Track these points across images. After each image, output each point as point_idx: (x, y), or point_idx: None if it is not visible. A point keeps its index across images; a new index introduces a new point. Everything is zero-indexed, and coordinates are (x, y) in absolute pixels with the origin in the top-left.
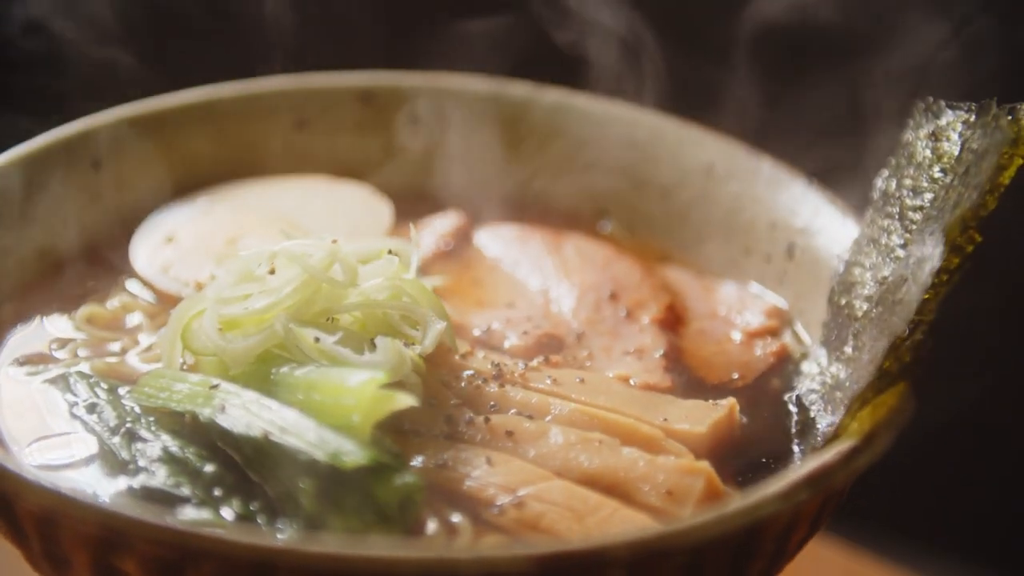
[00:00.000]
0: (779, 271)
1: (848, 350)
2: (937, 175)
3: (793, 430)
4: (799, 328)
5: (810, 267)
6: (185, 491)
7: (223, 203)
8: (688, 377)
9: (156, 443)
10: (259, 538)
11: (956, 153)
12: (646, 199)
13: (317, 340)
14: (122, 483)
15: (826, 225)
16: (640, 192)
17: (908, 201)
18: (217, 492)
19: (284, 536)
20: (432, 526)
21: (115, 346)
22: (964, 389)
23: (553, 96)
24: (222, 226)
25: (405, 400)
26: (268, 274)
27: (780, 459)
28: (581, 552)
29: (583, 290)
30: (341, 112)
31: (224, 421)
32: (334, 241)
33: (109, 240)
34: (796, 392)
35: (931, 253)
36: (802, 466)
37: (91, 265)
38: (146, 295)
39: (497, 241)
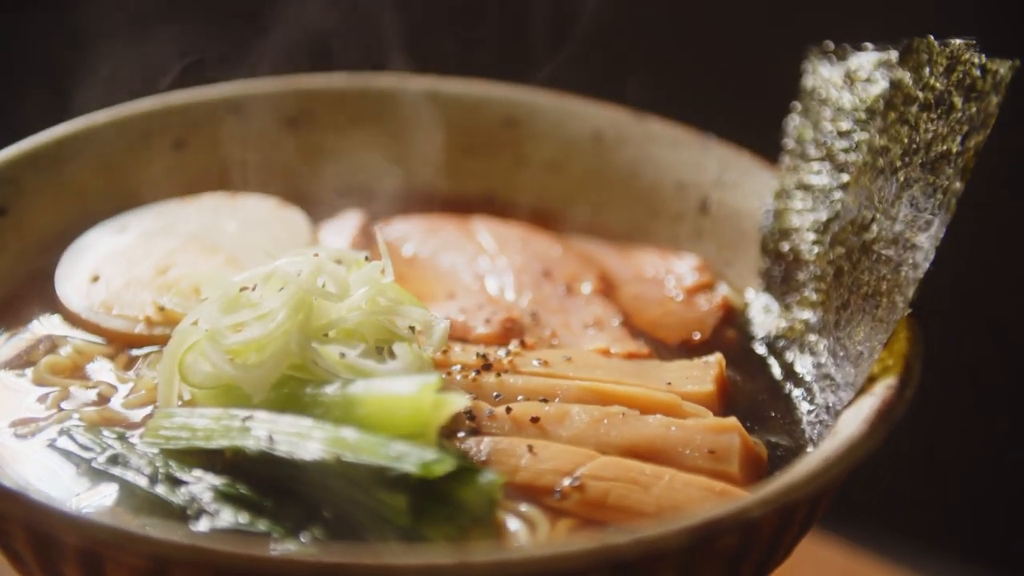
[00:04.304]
0: (694, 228)
1: (810, 293)
2: (863, 116)
3: (779, 376)
4: (731, 278)
5: (730, 219)
6: (262, 527)
7: (132, 233)
8: (650, 340)
9: (200, 484)
10: (424, 557)
11: (885, 94)
12: (533, 175)
13: (343, 355)
14: (187, 529)
15: (740, 176)
16: (526, 169)
17: (837, 144)
18: (287, 524)
19: (442, 551)
20: (509, 521)
21: (91, 394)
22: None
23: (420, 83)
24: (145, 257)
25: (460, 401)
26: (258, 298)
27: (781, 406)
28: (726, 516)
29: (516, 272)
30: (214, 127)
31: (280, 450)
32: (316, 255)
33: (32, 287)
34: (763, 340)
35: (913, 191)
36: (867, 405)
37: (21, 315)
38: (92, 338)
39: (407, 235)
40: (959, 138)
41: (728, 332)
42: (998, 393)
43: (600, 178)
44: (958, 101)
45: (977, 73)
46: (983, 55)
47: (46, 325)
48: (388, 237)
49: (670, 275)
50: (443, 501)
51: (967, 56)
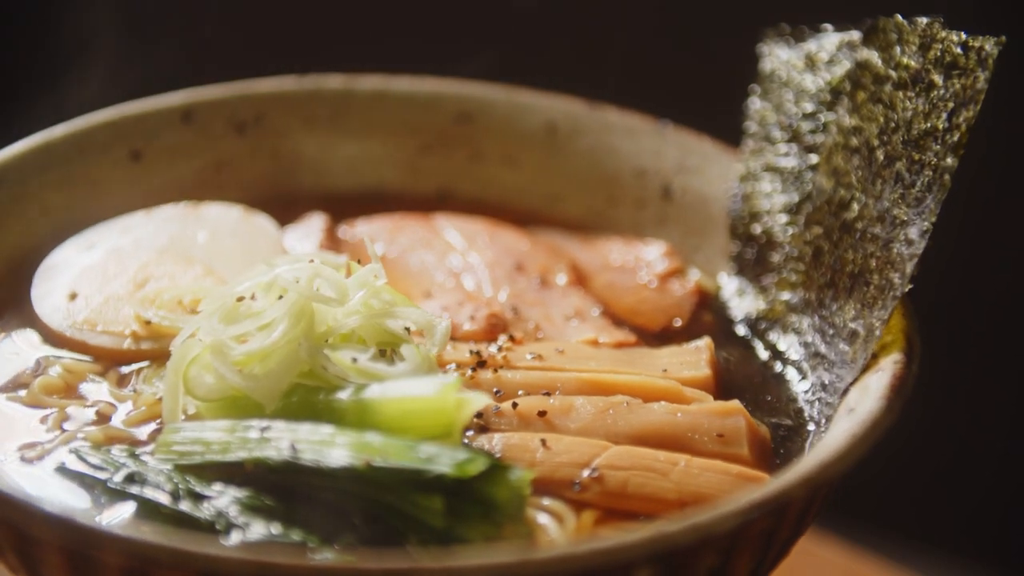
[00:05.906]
0: (657, 214)
1: (788, 274)
2: (828, 98)
3: (766, 357)
4: (700, 263)
5: (695, 205)
6: (296, 537)
7: (101, 249)
8: (631, 328)
9: (224, 498)
10: (489, 557)
11: (851, 74)
12: (490, 170)
13: (354, 360)
14: (219, 544)
15: (702, 162)
16: (482, 164)
17: (803, 126)
18: (318, 532)
19: (505, 550)
20: (538, 516)
21: (90, 413)
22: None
23: (371, 83)
24: (120, 272)
25: (482, 399)
26: (259, 307)
27: (774, 386)
28: (770, 497)
29: (489, 267)
30: (168, 135)
31: (306, 459)
32: (311, 261)
33: (8, 308)
34: (744, 322)
35: (897, 169)
36: (877, 381)
37: (1, 337)
38: (80, 356)
39: (372, 235)
40: (944, 115)
41: (705, 316)
42: (998, 392)
43: (557, 169)
44: (938, 79)
45: (958, 50)
46: (962, 32)
47: (29, 346)
48: (353, 239)
49: (640, 262)
50: (476, 500)
51: (943, 34)
